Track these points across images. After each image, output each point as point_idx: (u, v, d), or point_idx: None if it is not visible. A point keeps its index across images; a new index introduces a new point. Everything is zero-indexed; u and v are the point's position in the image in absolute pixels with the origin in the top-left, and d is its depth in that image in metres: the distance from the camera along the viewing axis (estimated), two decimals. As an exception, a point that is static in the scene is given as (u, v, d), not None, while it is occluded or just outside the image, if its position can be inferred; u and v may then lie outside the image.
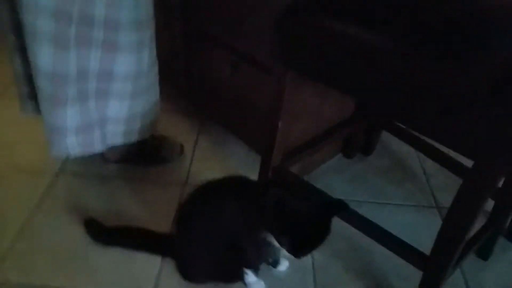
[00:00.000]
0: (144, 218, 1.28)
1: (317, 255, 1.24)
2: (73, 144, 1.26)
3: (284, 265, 1.19)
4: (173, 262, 1.16)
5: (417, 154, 1.63)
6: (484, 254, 1.26)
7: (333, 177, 1.51)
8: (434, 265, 0.93)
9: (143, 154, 1.49)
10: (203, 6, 1.40)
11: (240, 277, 1.11)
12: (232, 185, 1.02)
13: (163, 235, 1.19)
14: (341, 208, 0.88)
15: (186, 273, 1.13)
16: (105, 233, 1.21)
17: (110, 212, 1.30)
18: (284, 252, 0.93)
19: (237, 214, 0.96)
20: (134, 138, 1.38)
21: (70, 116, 1.20)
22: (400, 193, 1.47)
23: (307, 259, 1.22)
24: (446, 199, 1.46)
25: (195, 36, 1.48)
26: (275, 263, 1.18)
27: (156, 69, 1.33)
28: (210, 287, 1.12)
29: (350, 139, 1.57)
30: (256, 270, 1.09)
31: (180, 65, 1.61)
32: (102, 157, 1.48)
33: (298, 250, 0.88)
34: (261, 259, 1.03)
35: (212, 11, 1.38)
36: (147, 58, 1.24)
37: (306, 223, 0.86)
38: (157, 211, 1.32)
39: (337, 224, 1.29)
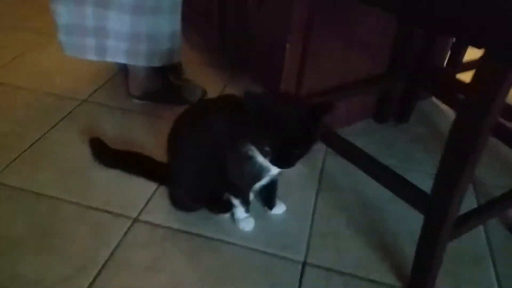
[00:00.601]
0: (150, 148, 1.25)
1: (321, 205, 1.13)
2: (65, 43, 1.31)
3: (280, 208, 1.10)
4: (166, 190, 1.12)
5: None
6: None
7: (358, 138, 1.37)
8: (435, 206, 0.79)
9: (165, 93, 1.47)
10: None
11: (228, 208, 1.04)
12: (221, 102, 0.95)
13: (163, 164, 1.15)
14: (326, 110, 0.78)
15: (175, 199, 1.09)
16: (108, 154, 1.21)
17: (120, 138, 1.30)
18: (270, 168, 0.86)
19: (222, 128, 0.89)
20: (140, 61, 1.35)
21: (61, 13, 1.24)
22: (433, 162, 1.30)
23: (307, 207, 1.12)
24: (482, 174, 1.27)
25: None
26: (271, 205, 1.09)
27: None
28: (198, 218, 1.06)
29: (382, 102, 1.43)
30: (244, 203, 1.02)
31: (215, 15, 1.58)
32: (127, 92, 1.49)
33: (281, 159, 0.79)
34: (246, 182, 0.94)
35: None
36: None
37: (288, 128, 0.76)
38: (164, 144, 1.29)
39: (350, 179, 1.20)
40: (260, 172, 0.88)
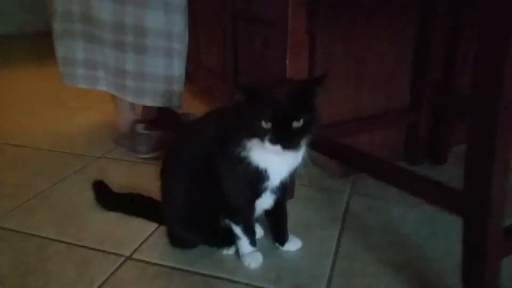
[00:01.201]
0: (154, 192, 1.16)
1: (345, 243, 0.96)
2: (61, 74, 1.41)
3: (294, 244, 0.93)
4: (166, 229, 1.00)
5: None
6: None
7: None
8: (471, 203, 0.62)
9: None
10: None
11: (230, 241, 0.89)
12: (203, 118, 0.87)
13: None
14: (319, 81, 0.68)
15: (172, 235, 0.96)
16: (109, 196, 1.12)
17: (127, 186, 1.22)
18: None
19: (210, 138, 0.80)
20: (146, 100, 1.40)
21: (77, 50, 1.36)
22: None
23: (329, 245, 0.94)
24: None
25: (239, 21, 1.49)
26: (282, 240, 0.93)
27: (174, 44, 1.35)
28: (199, 256, 0.92)
29: (410, 140, 1.29)
30: (248, 232, 0.87)
31: (228, 67, 1.60)
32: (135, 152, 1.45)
33: (282, 135, 0.69)
34: (242, 195, 0.80)
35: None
36: (158, 17, 1.29)
37: (284, 100, 0.68)
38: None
39: (379, 217, 1.03)
40: (257, 178, 0.76)
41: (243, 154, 0.74)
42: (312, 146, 0.80)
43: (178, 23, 1.35)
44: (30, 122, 1.82)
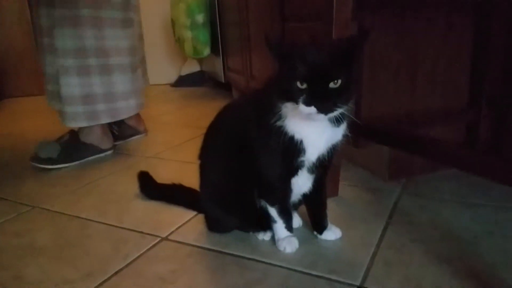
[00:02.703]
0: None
1: (390, 236, 0.89)
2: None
3: (333, 233, 0.88)
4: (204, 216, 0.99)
5: None
6: None
7: (445, 183, 1.14)
8: None
9: None
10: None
11: (266, 224, 0.86)
12: (247, 94, 0.87)
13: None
14: (360, 38, 0.64)
15: (209, 219, 0.94)
16: (152, 186, 1.14)
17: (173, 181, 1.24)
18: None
19: (245, 113, 0.79)
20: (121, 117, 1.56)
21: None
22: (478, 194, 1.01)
23: (372, 237, 0.88)
24: None
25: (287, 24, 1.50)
26: (321, 228, 0.88)
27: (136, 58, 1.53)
28: (234, 239, 0.89)
29: (470, 141, 1.20)
30: (283, 215, 0.83)
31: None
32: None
33: (318, 95, 0.64)
34: (278, 170, 0.77)
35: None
36: (117, 34, 1.44)
37: (319, 57, 0.64)
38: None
39: (429, 214, 0.96)
40: (292, 151, 0.73)
41: (278, 123, 0.72)
42: (352, 126, 0.76)
43: (133, 37, 1.50)
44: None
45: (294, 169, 0.78)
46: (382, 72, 1.10)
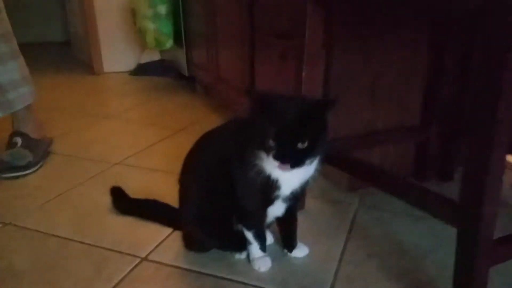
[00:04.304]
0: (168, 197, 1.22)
1: (350, 251, 0.99)
2: None
3: (302, 251, 0.97)
4: (180, 234, 1.05)
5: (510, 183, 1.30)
6: None
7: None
8: (465, 214, 0.66)
9: None
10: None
11: (242, 245, 0.94)
12: (225, 125, 0.93)
13: (177, 209, 1.10)
14: (329, 105, 0.72)
15: (187, 239, 1.01)
16: (126, 201, 1.18)
17: (145, 194, 1.28)
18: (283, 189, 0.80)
19: (226, 145, 0.86)
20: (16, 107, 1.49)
21: None
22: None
23: (334, 252, 0.98)
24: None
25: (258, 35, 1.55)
26: (291, 247, 0.97)
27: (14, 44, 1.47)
28: (211, 259, 0.96)
29: (420, 157, 1.33)
30: (259, 238, 0.91)
31: (246, 79, 1.66)
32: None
33: (285, 152, 0.72)
34: (254, 202, 0.85)
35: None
36: None
37: (289, 118, 0.71)
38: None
39: (384, 228, 1.07)
40: (268, 187, 0.81)
41: (256, 162, 0.79)
42: (323, 159, 0.84)
43: (5, 22, 1.45)
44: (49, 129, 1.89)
45: (270, 201, 0.85)
46: (348, 92, 1.19)
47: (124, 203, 1.18)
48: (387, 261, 0.96)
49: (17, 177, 1.40)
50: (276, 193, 0.83)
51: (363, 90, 1.21)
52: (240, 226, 0.92)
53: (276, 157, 0.73)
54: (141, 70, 3.06)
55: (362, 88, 1.21)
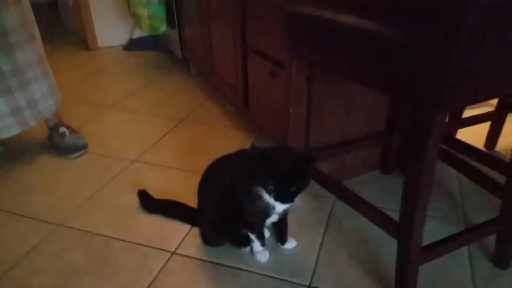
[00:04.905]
0: (185, 196, 1.52)
1: (327, 241, 1.33)
2: None
3: (291, 244, 1.31)
4: (198, 230, 1.37)
5: (457, 177, 1.63)
6: (500, 262, 1.21)
7: (366, 186, 1.59)
8: (404, 230, 0.99)
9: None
10: (258, 30, 1.69)
11: (247, 242, 1.27)
12: (236, 156, 1.21)
13: (195, 209, 1.40)
14: (312, 160, 1.03)
15: (204, 236, 1.33)
16: (151, 202, 1.48)
17: (163, 191, 1.58)
18: (277, 207, 1.11)
19: (238, 175, 1.15)
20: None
21: None
22: (430, 207, 1.48)
23: (315, 243, 1.32)
24: (476, 218, 1.43)
25: (250, 53, 1.78)
26: (283, 241, 1.31)
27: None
28: (223, 252, 1.29)
29: (385, 155, 1.65)
30: (260, 238, 1.24)
31: (239, 82, 1.90)
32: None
33: (282, 196, 1.03)
34: (257, 217, 1.17)
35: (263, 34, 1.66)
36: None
37: (285, 172, 1.01)
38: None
39: (354, 221, 1.40)
40: (267, 209, 1.12)
41: (259, 193, 1.09)
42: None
43: (40, 48, 1.75)
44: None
45: (268, 216, 1.17)
46: (323, 111, 1.47)
47: (150, 203, 1.48)
48: (355, 249, 1.31)
49: (80, 155, 1.82)
50: (272, 212, 1.14)
51: (339, 109, 1.49)
52: (245, 230, 1.24)
53: (275, 199, 1.04)
54: (134, 45, 3.22)
55: (338, 107, 1.48)
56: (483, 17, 0.74)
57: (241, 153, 1.22)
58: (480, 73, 0.82)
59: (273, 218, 1.20)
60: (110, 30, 3.31)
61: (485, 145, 1.83)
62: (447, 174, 1.66)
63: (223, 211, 1.22)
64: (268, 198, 1.08)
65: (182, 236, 1.37)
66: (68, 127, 1.90)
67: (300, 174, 1.03)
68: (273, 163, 1.02)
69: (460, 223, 1.42)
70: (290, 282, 1.19)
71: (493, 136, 1.80)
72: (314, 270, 1.23)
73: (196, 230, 1.38)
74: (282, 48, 1.47)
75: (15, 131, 1.68)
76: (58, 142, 1.83)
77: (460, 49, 0.75)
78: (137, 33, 3.23)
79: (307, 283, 1.18)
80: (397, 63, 0.86)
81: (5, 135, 1.66)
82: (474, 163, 1.38)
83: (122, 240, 1.36)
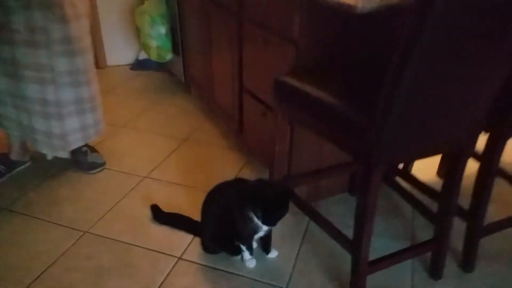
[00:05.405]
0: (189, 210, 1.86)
1: (302, 252, 1.68)
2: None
3: (273, 253, 1.66)
4: (199, 240, 1.71)
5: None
6: (434, 274, 1.57)
7: (336, 206, 1.95)
8: (354, 247, 1.34)
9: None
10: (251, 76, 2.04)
11: (239, 252, 1.61)
12: (233, 183, 1.56)
13: (197, 222, 1.74)
14: (291, 193, 1.38)
15: (204, 246, 1.67)
16: (161, 215, 1.82)
17: (169, 204, 1.91)
18: (264, 229, 1.45)
19: (233, 199, 1.50)
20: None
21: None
22: (384, 225, 1.85)
23: (293, 253, 1.68)
24: (422, 237, 1.79)
25: (245, 94, 2.12)
26: (267, 251, 1.65)
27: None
28: (219, 258, 1.63)
29: (353, 180, 2.01)
30: (249, 248, 1.58)
31: (235, 114, 2.25)
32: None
33: (268, 221, 1.39)
34: (248, 234, 1.52)
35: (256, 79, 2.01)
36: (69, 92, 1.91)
37: (270, 203, 1.37)
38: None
39: (325, 235, 1.75)
40: (256, 228, 1.47)
41: (250, 215, 1.44)
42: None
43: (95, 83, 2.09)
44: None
45: (256, 233, 1.52)
46: (303, 146, 1.82)
47: (160, 216, 1.82)
48: (324, 260, 1.65)
49: (101, 170, 2.15)
50: (260, 230, 1.49)
51: (315, 144, 1.84)
52: (237, 242, 1.59)
53: (263, 223, 1.39)
54: (140, 65, 3.54)
55: (314, 143, 1.83)
56: (404, 112, 1.09)
57: (237, 182, 1.56)
58: (402, 145, 1.18)
59: (260, 234, 1.55)
60: (118, 50, 3.62)
61: (437, 173, 2.20)
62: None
63: (220, 226, 1.56)
64: (257, 221, 1.42)
65: (186, 244, 1.71)
66: (88, 146, 2.22)
67: (281, 205, 1.38)
68: (261, 197, 1.37)
69: (408, 240, 1.78)
70: (272, 285, 1.54)
71: (443, 165, 2.16)
72: (291, 275, 1.58)
73: (197, 240, 1.72)
74: (271, 96, 1.82)
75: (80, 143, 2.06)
76: (80, 159, 2.16)
77: (387, 131, 1.11)
78: (143, 55, 3.55)
79: (285, 286, 1.53)
80: (350, 139, 1.23)
81: (73, 146, 2.04)
82: (416, 192, 1.74)
83: (139, 246, 1.69)
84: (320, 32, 1.60)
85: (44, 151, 2.01)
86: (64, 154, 2.06)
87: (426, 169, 2.20)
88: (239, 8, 1.96)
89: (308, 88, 1.37)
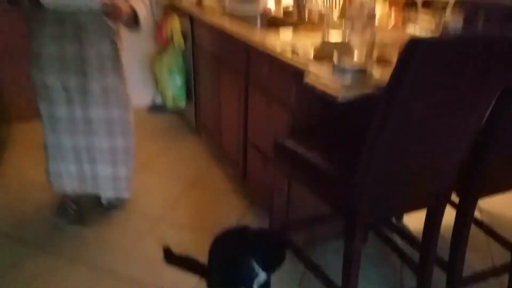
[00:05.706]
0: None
1: (304, 284, 1.88)
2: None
3: None
4: (205, 280, 1.92)
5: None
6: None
7: (331, 252, 2.14)
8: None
9: None
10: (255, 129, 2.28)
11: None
12: (236, 232, 1.78)
13: (203, 264, 1.94)
14: (287, 244, 1.59)
15: (210, 285, 1.88)
16: (172, 257, 2.04)
17: (179, 245, 2.13)
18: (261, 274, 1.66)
19: (236, 248, 1.71)
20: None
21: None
22: (374, 273, 2.04)
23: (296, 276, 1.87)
24: (410, 284, 1.97)
25: (249, 143, 2.36)
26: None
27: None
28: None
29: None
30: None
31: (240, 160, 2.49)
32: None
33: (268, 268, 1.60)
34: (249, 279, 1.72)
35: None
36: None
37: (270, 252, 1.58)
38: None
39: (318, 283, 1.94)
40: (257, 274, 1.67)
41: (251, 263, 1.64)
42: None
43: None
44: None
45: (257, 279, 1.72)
46: (299, 197, 2.03)
47: (171, 258, 2.04)
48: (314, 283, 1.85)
49: (116, 209, 2.40)
50: (261, 276, 1.70)
51: (311, 195, 2.05)
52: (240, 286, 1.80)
53: (263, 269, 1.60)
54: (156, 108, 3.84)
55: (309, 194, 2.05)
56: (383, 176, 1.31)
57: (239, 231, 1.78)
58: (381, 203, 1.39)
59: (261, 279, 1.75)
60: (137, 92, 3.91)
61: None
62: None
63: (224, 271, 1.77)
64: (257, 268, 1.63)
65: (194, 283, 1.91)
66: None
67: (279, 255, 1.59)
68: (261, 247, 1.59)
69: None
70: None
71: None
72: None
73: (203, 281, 1.92)
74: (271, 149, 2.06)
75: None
76: (104, 202, 2.40)
77: (367, 189, 1.33)
78: (159, 99, 3.85)
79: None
80: (335, 196, 1.45)
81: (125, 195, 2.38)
82: (404, 244, 1.93)
83: (155, 285, 1.91)
84: (313, 103, 1.85)
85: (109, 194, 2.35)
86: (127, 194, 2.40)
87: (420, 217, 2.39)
88: (246, 74, 2.24)
89: (301, 150, 1.61)
